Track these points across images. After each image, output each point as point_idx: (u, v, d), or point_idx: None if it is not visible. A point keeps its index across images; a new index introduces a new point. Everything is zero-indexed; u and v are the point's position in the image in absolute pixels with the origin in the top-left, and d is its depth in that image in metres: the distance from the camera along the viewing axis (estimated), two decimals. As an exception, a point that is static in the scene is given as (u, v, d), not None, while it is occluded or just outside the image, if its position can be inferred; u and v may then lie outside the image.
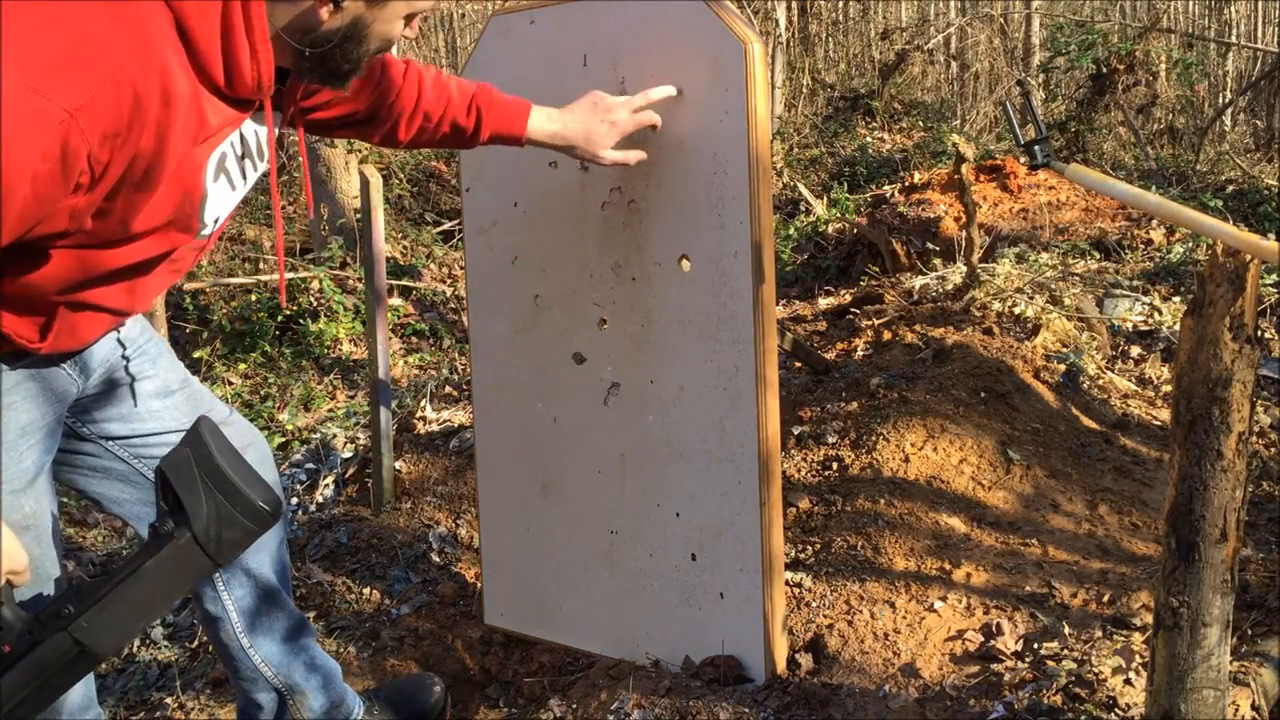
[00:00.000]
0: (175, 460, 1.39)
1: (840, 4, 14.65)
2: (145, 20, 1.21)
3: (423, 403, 3.90)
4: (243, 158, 1.46)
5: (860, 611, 2.17)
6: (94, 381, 1.60)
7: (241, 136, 1.43)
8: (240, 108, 1.38)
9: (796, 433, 2.94)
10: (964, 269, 4.09)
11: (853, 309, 4.17)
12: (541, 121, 1.89)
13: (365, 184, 3.02)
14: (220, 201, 1.45)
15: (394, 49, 1.58)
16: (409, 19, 1.41)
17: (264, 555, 1.86)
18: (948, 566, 2.29)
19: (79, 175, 1.18)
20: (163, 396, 1.69)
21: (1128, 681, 1.79)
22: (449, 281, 6.36)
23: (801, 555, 2.46)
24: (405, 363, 5.35)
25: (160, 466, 1.40)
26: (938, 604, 2.15)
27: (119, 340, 1.63)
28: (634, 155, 1.96)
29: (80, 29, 1.15)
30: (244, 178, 1.48)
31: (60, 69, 1.12)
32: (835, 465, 2.76)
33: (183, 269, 1.53)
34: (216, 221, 1.48)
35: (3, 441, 1.44)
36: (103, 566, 3.21)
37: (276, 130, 1.53)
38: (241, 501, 1.37)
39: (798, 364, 3.41)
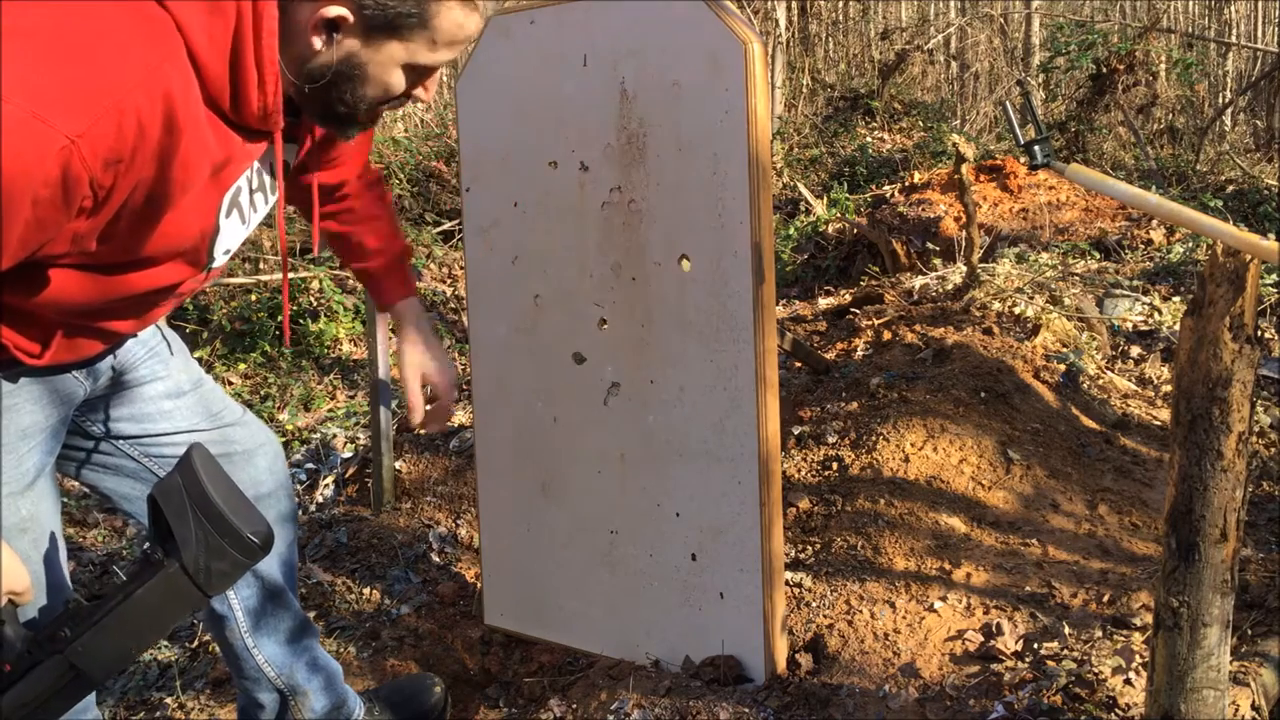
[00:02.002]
0: (167, 488, 1.39)
1: (840, 4, 14.65)
2: (155, 46, 1.20)
3: (423, 403, 3.89)
4: (255, 191, 1.45)
5: (860, 611, 2.17)
6: (103, 382, 1.60)
7: (257, 169, 1.43)
8: (254, 139, 1.36)
9: (796, 433, 2.94)
10: (964, 269, 4.10)
11: (853, 309, 4.17)
12: (407, 321, 1.88)
13: (365, 184, 3.02)
14: (230, 236, 1.45)
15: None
16: (415, 76, 1.36)
17: (271, 556, 1.86)
18: (948, 566, 2.30)
19: (81, 200, 1.17)
20: (174, 397, 1.69)
21: (1128, 681, 1.79)
22: (449, 281, 6.36)
23: (801, 555, 2.46)
24: (405, 363, 5.34)
25: (152, 493, 1.40)
26: (938, 604, 2.16)
27: (124, 345, 1.63)
28: (417, 416, 1.87)
29: (87, 55, 1.14)
30: (255, 211, 1.48)
31: (65, 95, 1.11)
32: (835, 465, 2.76)
33: (185, 296, 1.53)
34: (226, 254, 1.47)
35: (2, 444, 1.43)
36: (102, 567, 3.21)
37: (288, 162, 1.51)
38: (230, 533, 1.37)
39: (798, 364, 3.41)
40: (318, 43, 1.29)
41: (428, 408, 1.88)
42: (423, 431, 1.89)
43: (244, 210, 1.45)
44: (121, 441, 1.66)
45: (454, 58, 1.37)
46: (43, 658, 1.35)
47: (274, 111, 1.31)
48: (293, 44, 1.29)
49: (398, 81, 1.35)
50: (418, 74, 1.37)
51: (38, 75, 1.11)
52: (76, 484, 1.80)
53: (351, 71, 1.32)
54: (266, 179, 1.46)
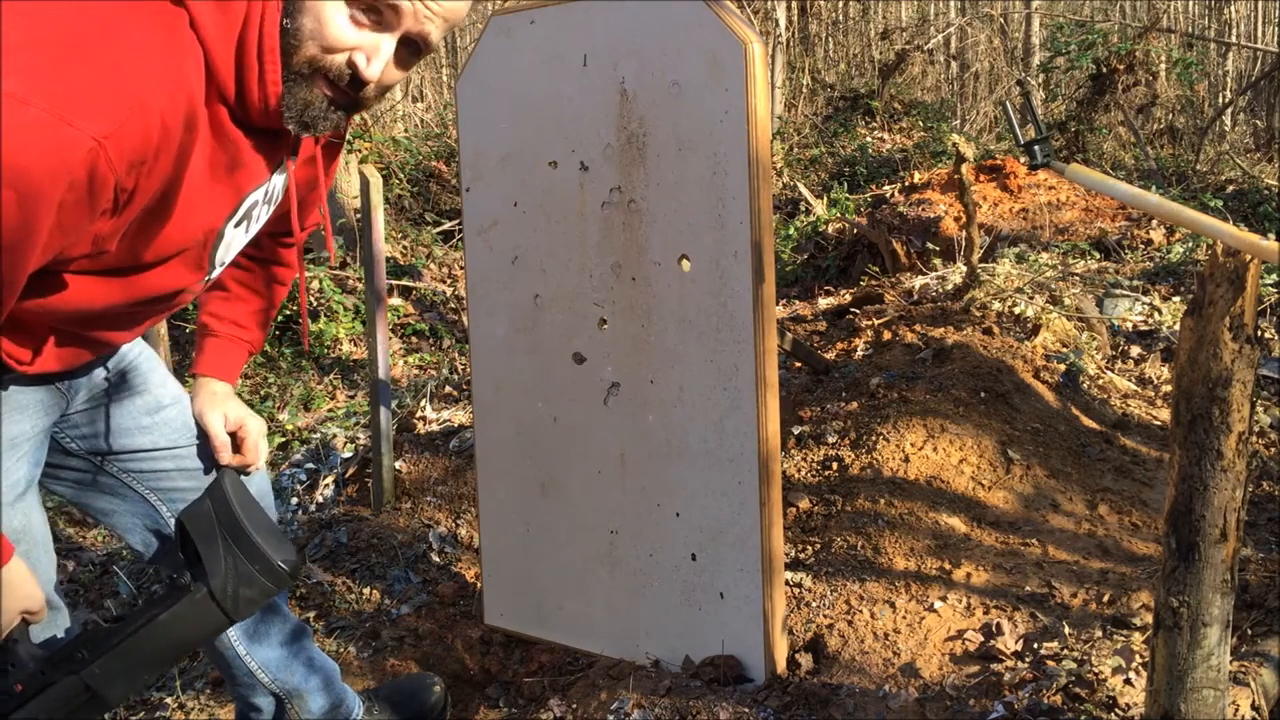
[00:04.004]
0: (196, 513, 1.37)
1: (840, 4, 14.65)
2: (173, 43, 1.19)
3: (423, 403, 3.90)
4: (264, 203, 1.44)
5: (860, 611, 2.17)
6: (83, 397, 1.58)
7: (272, 182, 1.42)
8: (267, 145, 1.35)
9: (796, 433, 2.94)
10: (964, 269, 4.10)
11: (853, 309, 4.17)
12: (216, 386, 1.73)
13: (365, 184, 3.02)
14: (233, 245, 1.44)
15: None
16: (357, 31, 1.25)
17: None
18: (948, 566, 2.30)
19: (105, 203, 1.16)
20: (153, 413, 1.67)
21: (1128, 681, 1.79)
22: (449, 281, 6.36)
23: (801, 555, 2.46)
24: (405, 363, 5.35)
25: (180, 518, 1.38)
26: (938, 604, 2.15)
27: (107, 362, 1.62)
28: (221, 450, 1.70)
29: (108, 55, 1.13)
30: (258, 222, 1.47)
31: (88, 96, 1.10)
32: (835, 465, 2.76)
33: (176, 306, 1.52)
34: (223, 265, 1.47)
35: None
36: (102, 567, 3.21)
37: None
38: (261, 560, 1.36)
39: (798, 364, 3.41)
40: None
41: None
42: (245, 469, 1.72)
43: (252, 221, 1.44)
44: (99, 458, 1.64)
45: (389, 14, 1.25)
46: (57, 678, 1.33)
47: (275, 105, 1.27)
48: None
49: (339, 24, 1.24)
50: (360, 24, 1.26)
51: (59, 78, 1.09)
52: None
53: (296, 11, 1.24)
54: (275, 189, 1.45)
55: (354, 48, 1.26)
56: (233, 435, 1.70)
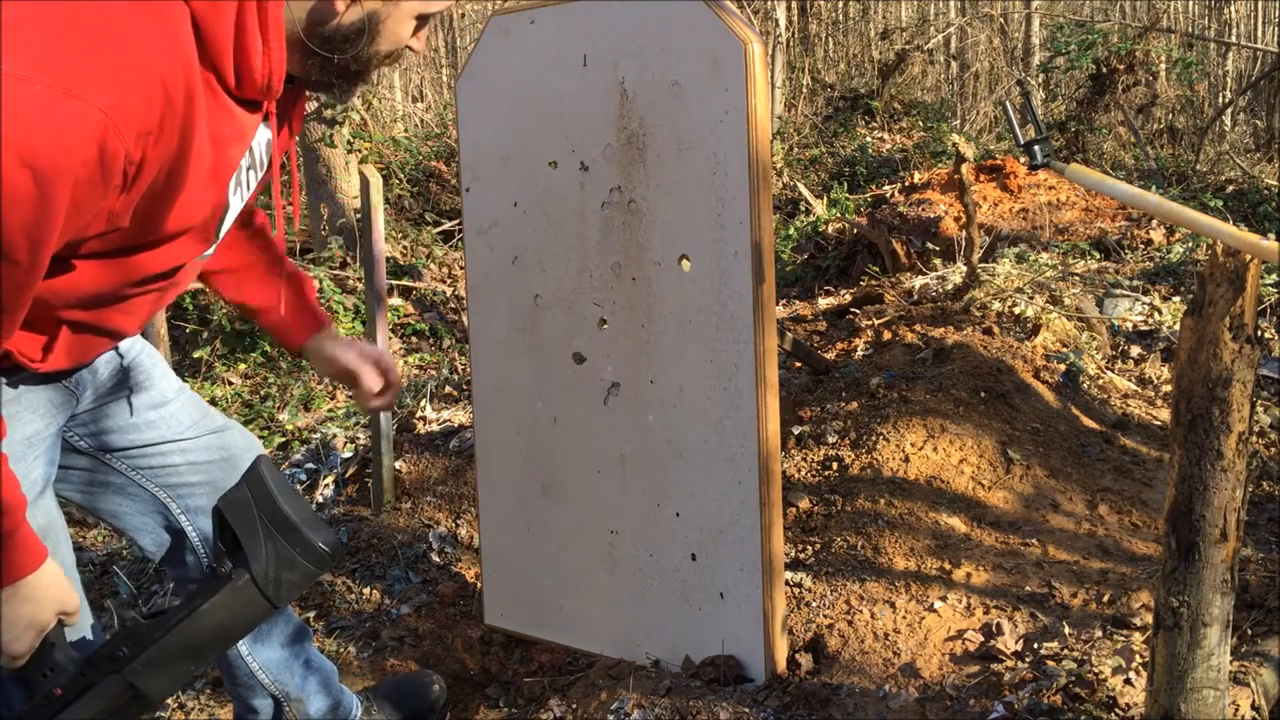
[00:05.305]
0: (233, 500, 1.36)
1: (840, 4, 14.66)
2: (165, 15, 1.19)
3: (423, 403, 3.90)
4: (249, 169, 1.45)
5: (860, 611, 2.17)
6: (91, 395, 1.59)
7: (254, 145, 1.42)
8: (251, 110, 1.36)
9: (796, 433, 2.94)
10: (964, 269, 4.10)
11: (853, 309, 4.18)
12: (329, 336, 1.82)
13: (365, 184, 3.02)
14: (234, 213, 1.44)
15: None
16: (420, 22, 1.40)
17: None
18: (948, 566, 2.30)
19: (116, 177, 1.16)
20: (158, 407, 1.68)
21: (1128, 681, 1.79)
22: (449, 281, 6.35)
23: (801, 555, 2.46)
24: (405, 363, 5.35)
25: (218, 505, 1.37)
26: (938, 604, 2.16)
27: (117, 352, 1.62)
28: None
29: (105, 27, 1.13)
30: (248, 189, 1.47)
31: (90, 68, 1.10)
32: (835, 465, 2.76)
33: (182, 286, 1.52)
34: (221, 236, 1.47)
35: (10, 454, 1.42)
36: (102, 567, 3.21)
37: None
38: (302, 543, 1.36)
39: (798, 364, 3.41)
40: (341, 5, 1.30)
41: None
42: (377, 406, 1.88)
43: (243, 188, 1.45)
44: (108, 455, 1.64)
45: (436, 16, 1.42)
46: (98, 678, 1.32)
47: (277, 80, 1.30)
48: (314, 11, 1.30)
49: (407, 33, 1.39)
50: (421, 20, 1.40)
51: (59, 53, 1.08)
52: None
53: (372, 29, 1.34)
54: (257, 155, 1.46)
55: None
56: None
